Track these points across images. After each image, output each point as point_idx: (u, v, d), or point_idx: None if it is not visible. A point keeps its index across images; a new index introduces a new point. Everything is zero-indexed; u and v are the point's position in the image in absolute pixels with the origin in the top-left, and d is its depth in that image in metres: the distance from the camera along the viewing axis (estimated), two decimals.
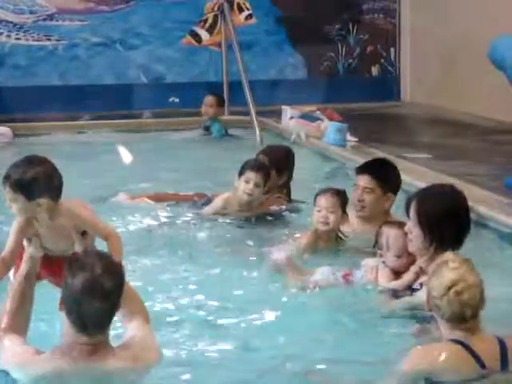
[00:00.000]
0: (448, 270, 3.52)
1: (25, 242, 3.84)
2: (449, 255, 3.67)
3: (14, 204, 3.76)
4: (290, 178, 6.60)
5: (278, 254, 5.06)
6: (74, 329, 3.47)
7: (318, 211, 5.36)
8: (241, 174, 6.22)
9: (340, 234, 5.49)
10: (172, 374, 3.67)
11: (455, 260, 3.59)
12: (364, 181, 5.62)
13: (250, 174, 6.17)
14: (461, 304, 3.49)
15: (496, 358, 3.51)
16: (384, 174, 5.66)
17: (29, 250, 3.82)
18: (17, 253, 3.81)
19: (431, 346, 3.62)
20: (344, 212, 5.44)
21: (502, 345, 3.55)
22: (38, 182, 3.70)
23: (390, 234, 4.65)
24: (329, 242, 5.41)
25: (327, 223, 5.34)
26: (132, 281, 3.77)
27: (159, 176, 7.89)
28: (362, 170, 5.73)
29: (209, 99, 10.31)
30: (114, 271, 3.47)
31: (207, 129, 10.29)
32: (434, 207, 4.44)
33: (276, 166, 6.41)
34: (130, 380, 3.52)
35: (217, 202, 6.34)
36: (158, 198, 6.75)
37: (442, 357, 3.47)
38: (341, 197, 5.42)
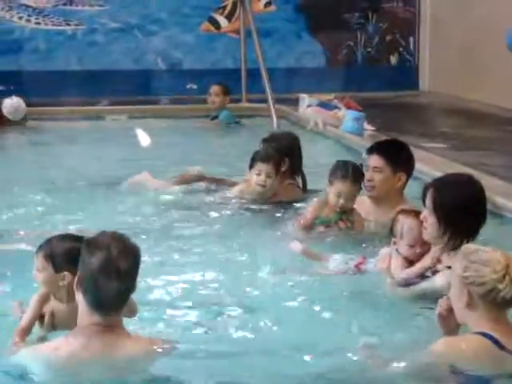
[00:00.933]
0: (488, 253, 3.48)
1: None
2: (469, 246, 3.65)
3: (41, 273, 3.85)
4: (297, 164, 6.54)
5: (295, 244, 5.06)
6: (89, 308, 3.50)
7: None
8: (251, 166, 6.25)
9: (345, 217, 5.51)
10: (182, 364, 3.67)
11: (480, 246, 3.58)
12: (373, 160, 5.59)
13: (261, 166, 6.19)
14: None
15: None
16: (393, 153, 5.60)
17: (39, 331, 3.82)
18: (34, 323, 3.86)
19: (462, 338, 3.54)
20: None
21: None
22: (69, 255, 3.77)
23: (405, 222, 4.64)
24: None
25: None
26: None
27: (176, 161, 7.91)
28: (371, 150, 5.71)
29: (214, 89, 10.28)
30: (131, 252, 3.51)
31: (215, 118, 10.24)
32: (451, 196, 4.41)
33: (279, 152, 6.40)
34: (144, 363, 3.53)
35: (231, 192, 6.39)
36: (183, 180, 6.77)
37: (473, 354, 3.42)
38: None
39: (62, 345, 3.52)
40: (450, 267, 4.24)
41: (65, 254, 3.81)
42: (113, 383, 3.50)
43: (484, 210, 4.50)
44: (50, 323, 3.85)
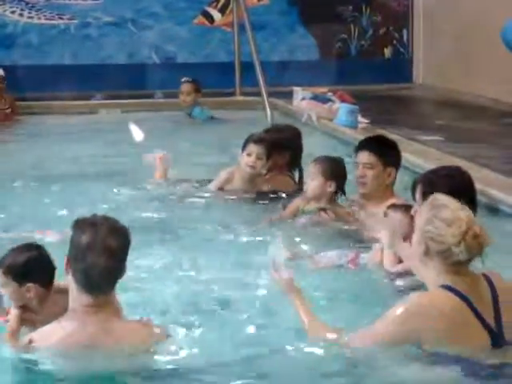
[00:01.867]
0: (454, 213, 3.53)
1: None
2: (439, 197, 3.67)
3: (4, 289, 3.77)
4: (296, 158, 6.55)
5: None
6: (79, 289, 3.51)
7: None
8: (243, 148, 6.29)
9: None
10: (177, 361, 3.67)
11: (450, 200, 3.62)
12: (364, 157, 5.62)
13: (252, 147, 6.23)
14: (479, 245, 3.48)
15: (489, 305, 3.51)
16: (383, 149, 5.64)
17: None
18: (19, 329, 3.74)
19: (428, 294, 3.59)
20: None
21: (493, 291, 3.55)
22: (28, 266, 3.72)
23: (394, 217, 4.64)
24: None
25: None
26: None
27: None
28: (362, 146, 5.73)
29: (185, 87, 10.08)
30: (120, 232, 3.53)
31: (189, 115, 10.09)
32: (440, 189, 4.42)
33: (278, 143, 6.41)
34: (138, 346, 3.52)
35: (221, 175, 6.42)
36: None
37: (441, 308, 3.46)
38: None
39: (57, 329, 3.52)
40: None
41: (23, 265, 3.72)
42: (107, 366, 3.49)
43: (474, 203, 4.51)
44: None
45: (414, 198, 4.53)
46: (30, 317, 3.75)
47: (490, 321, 3.50)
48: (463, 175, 4.55)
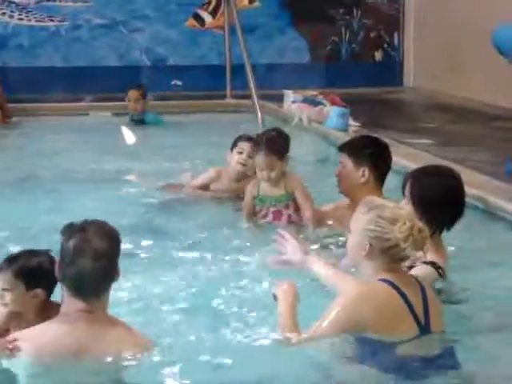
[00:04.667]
0: (394, 211, 3.67)
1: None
2: (374, 199, 3.81)
3: (9, 293, 3.66)
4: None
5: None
6: (69, 294, 3.50)
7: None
8: (233, 146, 6.24)
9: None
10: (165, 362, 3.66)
11: (384, 201, 3.82)
12: (341, 157, 5.61)
13: (244, 145, 6.17)
14: (424, 239, 3.64)
15: (420, 303, 3.67)
16: (355, 149, 5.57)
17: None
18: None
19: (367, 284, 3.72)
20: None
21: (423, 291, 3.71)
22: (41, 270, 3.65)
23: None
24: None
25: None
26: None
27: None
28: (340, 147, 5.72)
29: (134, 94, 9.81)
30: (108, 234, 3.52)
31: (141, 122, 9.79)
32: (428, 186, 4.46)
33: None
34: (126, 354, 3.50)
35: (210, 172, 6.37)
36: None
37: (375, 294, 3.62)
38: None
39: (48, 330, 3.51)
40: (425, 262, 4.29)
41: (37, 270, 3.66)
42: (93, 372, 3.47)
43: (462, 202, 4.53)
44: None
45: (403, 194, 4.54)
46: (18, 325, 3.65)
47: (421, 317, 3.66)
48: (453, 175, 4.56)
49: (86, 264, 3.45)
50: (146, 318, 4.12)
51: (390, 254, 3.64)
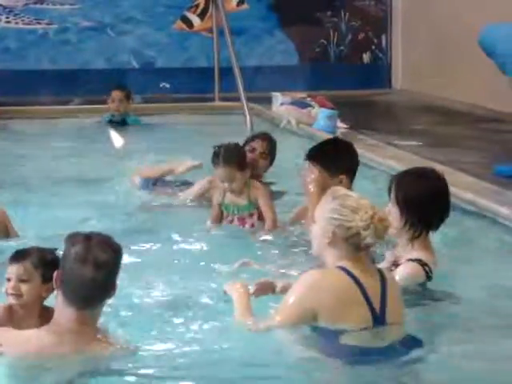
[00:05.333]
0: (357, 200, 3.79)
1: None
2: (338, 189, 3.92)
3: (25, 284, 3.68)
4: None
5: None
6: (65, 301, 3.48)
7: None
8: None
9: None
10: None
11: (349, 191, 3.94)
12: (310, 166, 5.48)
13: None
14: (385, 228, 3.76)
15: (377, 294, 3.74)
16: (331, 161, 5.34)
17: None
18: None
19: (320, 271, 3.82)
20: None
21: (383, 282, 3.78)
22: (56, 264, 3.65)
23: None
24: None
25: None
26: None
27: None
28: (310, 158, 5.48)
29: (118, 94, 9.69)
30: (112, 247, 3.51)
31: (123, 123, 9.68)
32: (413, 188, 4.49)
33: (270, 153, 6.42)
34: (110, 368, 3.50)
35: (203, 181, 6.37)
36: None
37: (332, 283, 3.71)
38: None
39: (34, 338, 3.49)
40: (411, 259, 4.31)
41: (53, 262, 3.68)
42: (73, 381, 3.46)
43: (447, 204, 4.56)
44: None
45: (389, 196, 4.55)
46: (16, 319, 3.67)
47: (376, 308, 3.73)
48: (438, 177, 4.58)
49: (87, 273, 3.44)
50: (133, 320, 4.11)
51: (351, 242, 3.74)
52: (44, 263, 3.70)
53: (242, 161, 5.73)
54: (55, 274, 3.54)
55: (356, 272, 3.73)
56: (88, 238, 3.49)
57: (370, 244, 3.77)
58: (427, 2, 12.44)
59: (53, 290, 3.66)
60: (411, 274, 4.33)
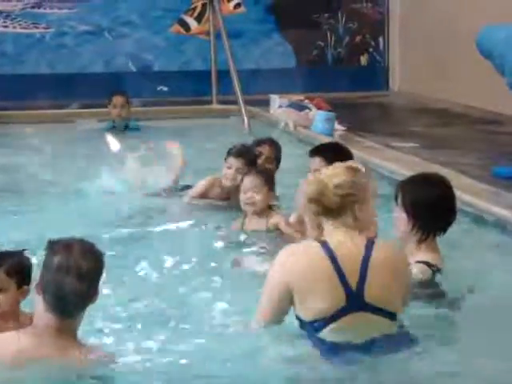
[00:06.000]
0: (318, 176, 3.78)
1: None
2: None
3: (1, 294, 3.67)
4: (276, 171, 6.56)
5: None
6: (46, 308, 3.45)
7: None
8: (225, 160, 6.29)
9: None
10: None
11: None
12: (315, 163, 5.56)
13: (232, 160, 6.22)
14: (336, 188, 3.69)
15: (356, 265, 3.62)
16: (335, 157, 5.53)
17: None
18: None
19: (293, 245, 3.82)
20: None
21: (367, 258, 3.64)
22: (30, 270, 3.67)
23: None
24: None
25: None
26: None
27: None
28: (313, 153, 5.69)
29: (119, 100, 9.60)
30: (93, 255, 3.47)
31: (123, 129, 9.57)
32: (420, 194, 4.51)
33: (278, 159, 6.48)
34: (89, 374, 3.47)
35: (204, 181, 6.41)
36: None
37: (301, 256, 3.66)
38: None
39: (13, 341, 3.46)
40: (419, 261, 4.32)
41: (26, 266, 3.67)
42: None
43: (453, 209, 4.59)
44: None
45: (396, 202, 4.58)
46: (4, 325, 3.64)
47: (352, 281, 3.60)
48: (444, 182, 4.62)
49: (69, 283, 3.39)
50: (111, 328, 4.09)
51: (315, 211, 3.70)
52: (18, 271, 3.67)
53: (272, 180, 5.75)
54: (35, 284, 3.50)
55: (334, 245, 3.64)
56: (69, 246, 3.44)
57: (333, 206, 3.65)
58: (424, 5, 12.46)
59: (28, 292, 3.67)
60: (418, 275, 4.32)
